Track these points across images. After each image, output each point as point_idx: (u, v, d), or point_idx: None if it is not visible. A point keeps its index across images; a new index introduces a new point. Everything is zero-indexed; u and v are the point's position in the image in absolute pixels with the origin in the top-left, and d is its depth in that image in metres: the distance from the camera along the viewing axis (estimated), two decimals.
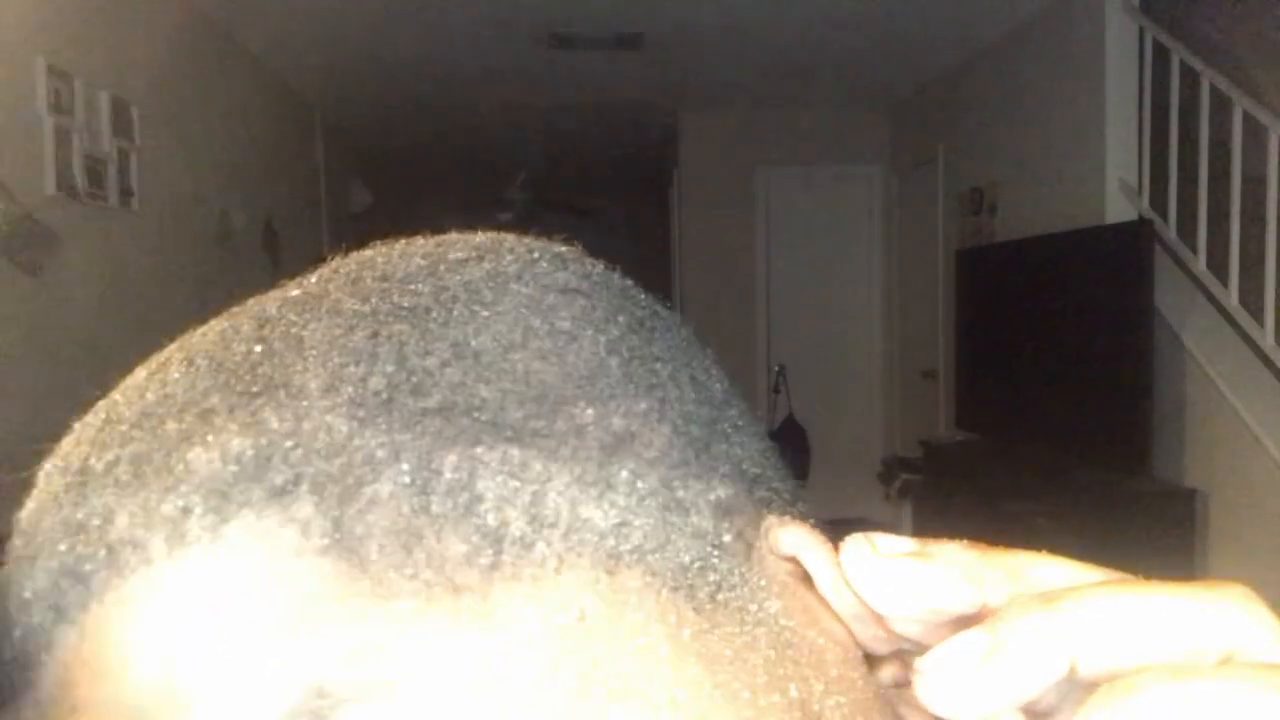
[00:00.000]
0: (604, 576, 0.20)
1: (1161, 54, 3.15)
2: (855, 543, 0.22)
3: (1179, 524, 2.90)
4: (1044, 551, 0.22)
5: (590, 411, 0.22)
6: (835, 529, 0.23)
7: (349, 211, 5.66)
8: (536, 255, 0.27)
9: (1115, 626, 0.18)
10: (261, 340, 0.23)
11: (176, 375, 0.23)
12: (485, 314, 0.23)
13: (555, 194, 7.55)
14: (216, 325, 0.25)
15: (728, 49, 4.21)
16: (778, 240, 5.51)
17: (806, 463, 5.17)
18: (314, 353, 0.22)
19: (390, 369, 0.21)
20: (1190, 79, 2.98)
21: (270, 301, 0.25)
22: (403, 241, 0.28)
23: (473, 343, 0.22)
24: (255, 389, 0.21)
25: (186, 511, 0.19)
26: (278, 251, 4.25)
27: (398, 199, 7.22)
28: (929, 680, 0.19)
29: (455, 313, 0.23)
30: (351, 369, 0.21)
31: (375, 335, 0.22)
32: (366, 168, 6.09)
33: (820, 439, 5.19)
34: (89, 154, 2.64)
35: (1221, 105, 2.85)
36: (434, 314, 0.23)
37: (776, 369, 5.39)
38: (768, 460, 0.27)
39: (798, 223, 5.51)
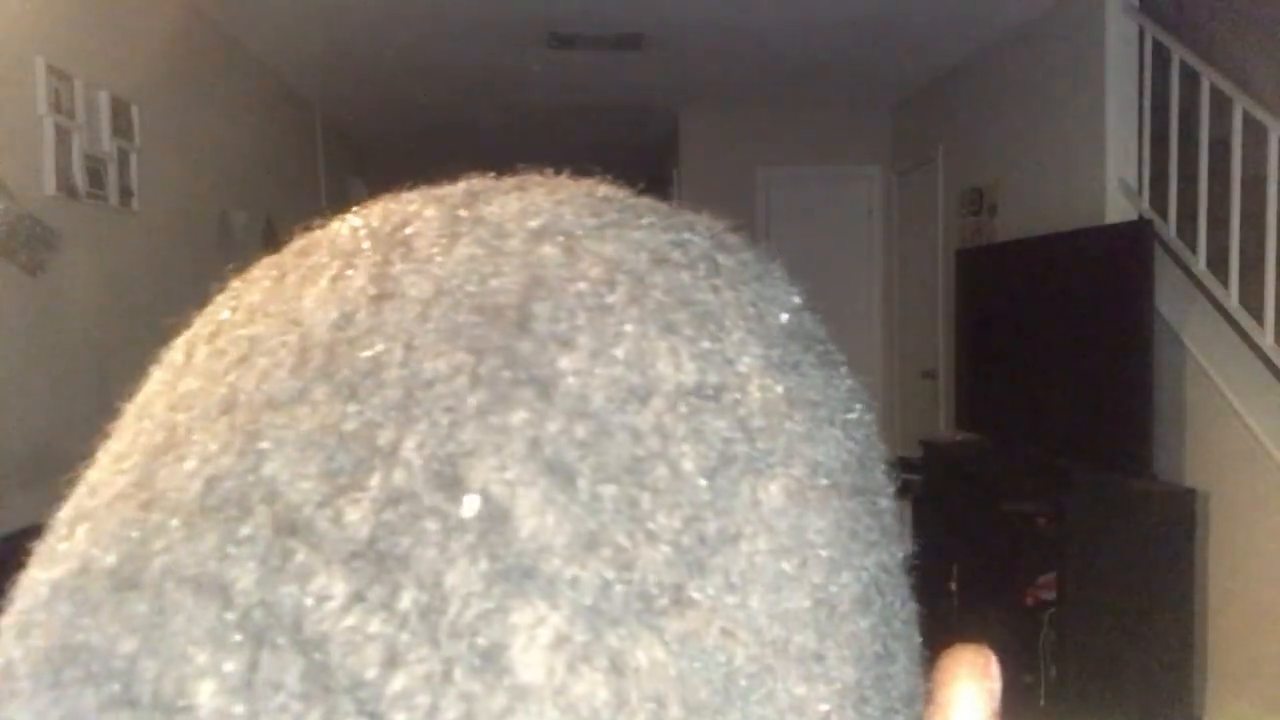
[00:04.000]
0: None
1: (1161, 54, 3.15)
2: None
3: (1179, 524, 2.90)
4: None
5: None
6: None
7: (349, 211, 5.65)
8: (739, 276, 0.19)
9: None
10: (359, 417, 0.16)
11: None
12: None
13: None
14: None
15: (728, 49, 4.21)
16: (778, 240, 5.50)
17: None
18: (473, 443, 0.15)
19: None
20: (1190, 79, 2.98)
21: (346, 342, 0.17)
22: (474, 223, 0.19)
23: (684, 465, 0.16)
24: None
25: None
26: (278, 251, 4.24)
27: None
28: None
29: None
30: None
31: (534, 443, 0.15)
32: (366, 167, 6.09)
33: None
34: (89, 154, 2.64)
35: (1221, 105, 2.85)
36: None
37: None
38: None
39: (798, 223, 5.51)
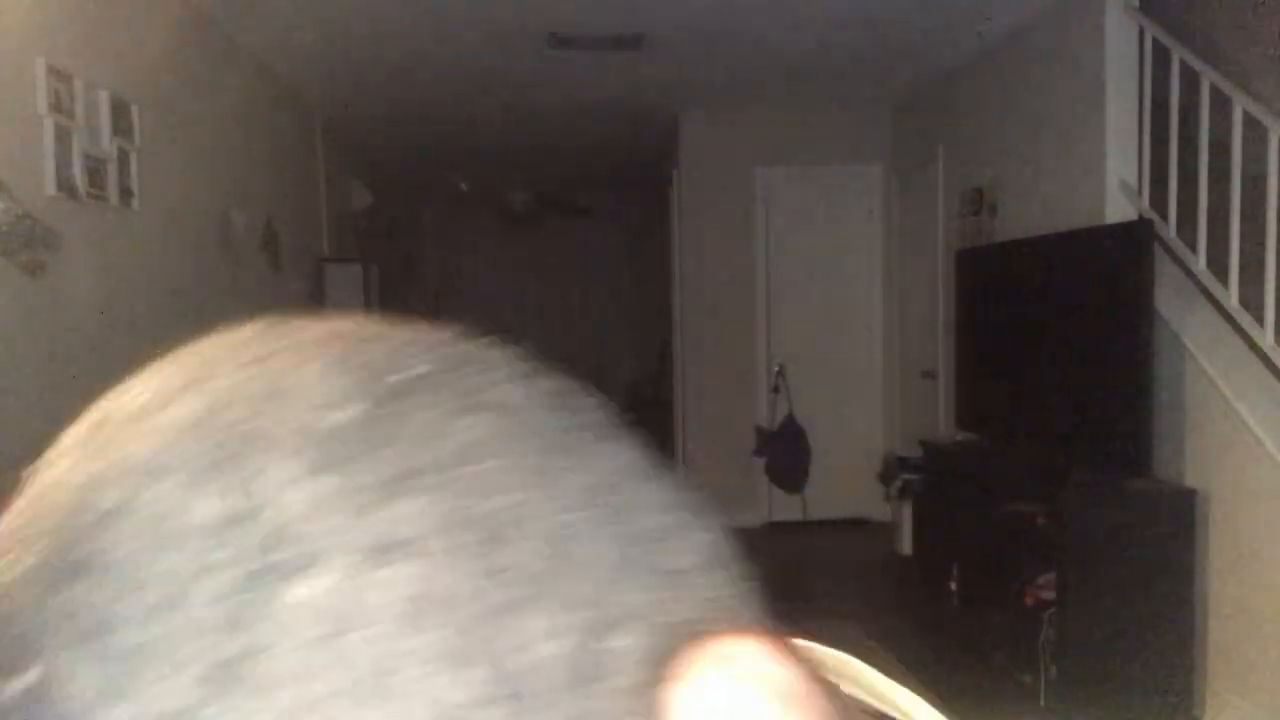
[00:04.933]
0: None
1: (1161, 54, 3.15)
2: None
3: (1179, 524, 2.90)
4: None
5: None
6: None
7: (349, 211, 5.66)
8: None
9: None
10: None
11: None
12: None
13: (555, 194, 7.56)
14: None
15: (728, 49, 4.21)
16: (778, 240, 5.51)
17: (806, 463, 5.17)
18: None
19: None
20: (1190, 79, 2.98)
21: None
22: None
23: None
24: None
25: None
26: (278, 252, 4.25)
27: (398, 199, 7.22)
28: None
29: None
30: None
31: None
32: (366, 168, 6.09)
33: (820, 439, 5.19)
34: (89, 154, 2.64)
35: (1221, 105, 2.85)
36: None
37: (776, 369, 5.39)
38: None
39: (798, 222, 5.51)
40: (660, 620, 0.19)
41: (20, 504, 0.20)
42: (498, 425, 0.20)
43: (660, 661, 0.19)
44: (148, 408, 0.20)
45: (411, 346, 0.22)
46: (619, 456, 0.22)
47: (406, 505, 0.18)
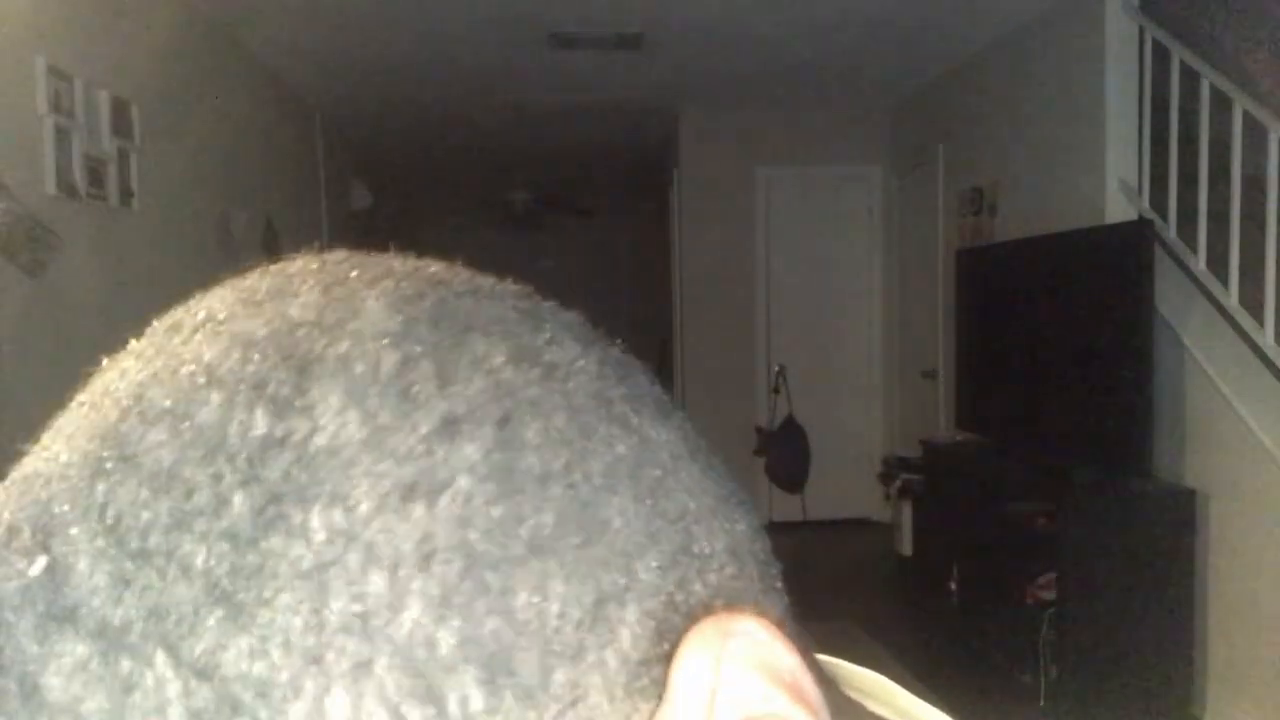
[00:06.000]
0: None
1: (1161, 54, 3.15)
2: None
3: (1179, 524, 2.90)
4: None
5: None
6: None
7: (349, 211, 5.66)
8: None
9: None
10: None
11: None
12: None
13: (555, 194, 7.55)
14: None
15: (728, 49, 4.21)
16: (778, 240, 5.51)
17: (806, 463, 5.17)
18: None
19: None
20: (1190, 79, 2.98)
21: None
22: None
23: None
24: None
25: None
26: (278, 251, 4.22)
27: (398, 199, 7.22)
28: None
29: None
30: None
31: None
32: (367, 168, 6.09)
33: (820, 439, 5.19)
34: (89, 154, 2.64)
35: (1221, 105, 2.85)
36: None
37: (776, 369, 5.39)
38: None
39: (798, 223, 5.51)
40: (675, 598, 0.20)
41: (78, 401, 0.21)
42: (547, 383, 0.20)
43: (666, 636, 0.19)
44: (217, 317, 0.21)
45: (479, 292, 0.22)
46: (663, 433, 0.22)
47: (442, 452, 0.18)
